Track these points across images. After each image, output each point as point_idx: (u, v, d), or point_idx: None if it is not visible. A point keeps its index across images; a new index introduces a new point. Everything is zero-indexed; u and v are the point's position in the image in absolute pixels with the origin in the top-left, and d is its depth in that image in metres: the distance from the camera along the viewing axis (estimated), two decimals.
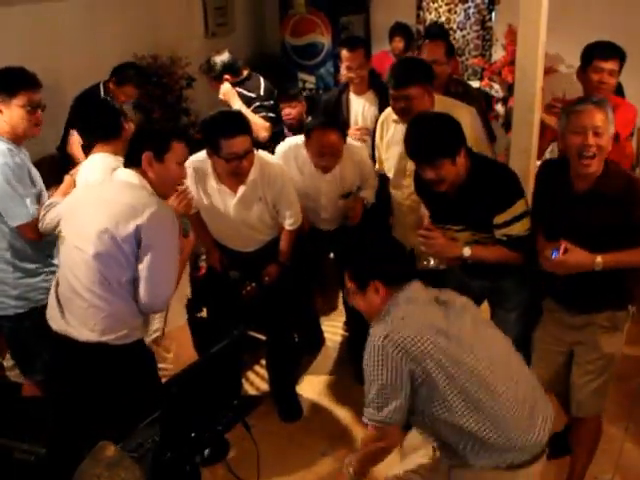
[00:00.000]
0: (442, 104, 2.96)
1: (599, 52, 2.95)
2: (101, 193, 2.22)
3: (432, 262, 2.58)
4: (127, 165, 2.22)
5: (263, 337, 3.40)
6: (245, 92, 3.86)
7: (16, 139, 2.62)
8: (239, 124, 2.72)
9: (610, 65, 2.92)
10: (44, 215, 2.57)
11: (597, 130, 2.16)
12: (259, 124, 3.75)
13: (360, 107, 3.56)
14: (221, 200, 2.89)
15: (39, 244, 2.64)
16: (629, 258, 2.21)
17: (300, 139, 3.10)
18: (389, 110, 3.10)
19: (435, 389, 1.85)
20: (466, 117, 2.94)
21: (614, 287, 2.30)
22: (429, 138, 2.32)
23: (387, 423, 1.90)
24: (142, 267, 2.10)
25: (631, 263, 2.24)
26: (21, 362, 2.88)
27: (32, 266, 2.66)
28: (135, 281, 2.14)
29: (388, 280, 2.00)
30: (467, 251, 2.45)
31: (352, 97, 3.58)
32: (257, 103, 3.83)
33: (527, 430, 1.88)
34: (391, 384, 1.84)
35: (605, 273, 2.21)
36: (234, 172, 2.76)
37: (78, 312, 2.17)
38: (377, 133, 3.22)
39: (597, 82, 2.94)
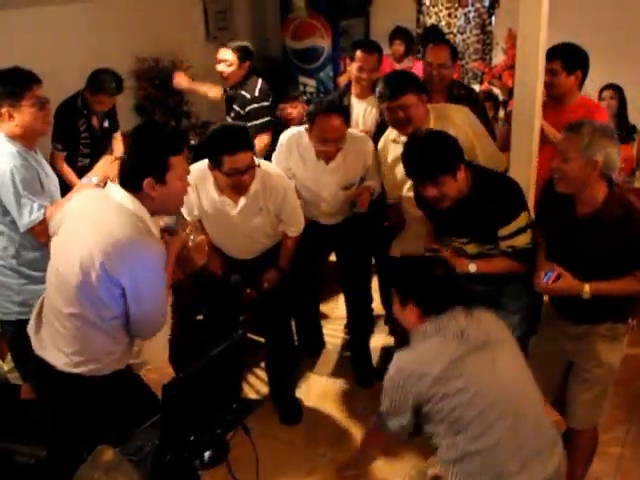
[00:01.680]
0: (435, 111, 2.97)
1: None
2: (96, 210, 2.06)
3: None
4: (124, 187, 2.02)
5: (263, 340, 3.39)
6: (243, 92, 3.87)
7: (27, 142, 2.60)
8: (242, 140, 2.71)
9: (548, 65, 3.06)
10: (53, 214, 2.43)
11: (564, 156, 2.21)
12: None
13: (362, 110, 3.56)
14: (222, 210, 2.89)
15: (48, 252, 2.62)
16: (617, 288, 2.22)
17: (302, 128, 3.09)
18: (385, 135, 3.11)
19: (431, 424, 1.93)
20: (460, 116, 2.95)
21: (614, 300, 2.28)
22: (428, 155, 2.31)
23: (391, 433, 2.02)
24: (128, 305, 2.02)
25: (619, 292, 2.24)
26: (22, 366, 2.88)
27: (38, 274, 2.61)
28: (120, 317, 2.06)
29: (423, 308, 1.99)
30: (473, 267, 2.47)
31: (354, 100, 3.58)
32: (251, 106, 3.83)
33: None
34: (397, 407, 1.96)
35: None
36: (235, 186, 2.76)
37: (55, 336, 2.09)
38: (381, 156, 3.15)
39: None
